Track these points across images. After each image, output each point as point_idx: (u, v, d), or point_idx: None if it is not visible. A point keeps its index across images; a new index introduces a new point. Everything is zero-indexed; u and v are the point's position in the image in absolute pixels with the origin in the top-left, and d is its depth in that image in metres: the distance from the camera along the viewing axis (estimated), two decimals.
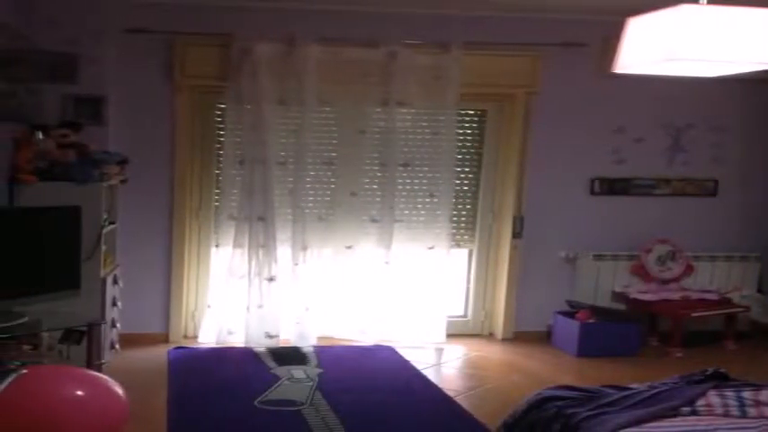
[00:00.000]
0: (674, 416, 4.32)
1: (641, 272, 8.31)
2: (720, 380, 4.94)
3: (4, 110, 6.25)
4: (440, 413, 6.22)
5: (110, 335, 7.00)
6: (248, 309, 7.80)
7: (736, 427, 4.23)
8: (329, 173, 8.02)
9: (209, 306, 8.10)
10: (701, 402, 4.51)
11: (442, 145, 8.02)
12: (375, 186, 8.07)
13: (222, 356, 7.52)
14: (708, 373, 5.03)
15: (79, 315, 6.00)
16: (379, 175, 8.04)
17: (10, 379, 2.25)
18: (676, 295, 8.19)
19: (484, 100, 8.29)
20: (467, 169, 8.39)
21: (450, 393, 6.65)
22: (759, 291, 8.63)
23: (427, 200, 8.13)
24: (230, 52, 7.57)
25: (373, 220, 8.02)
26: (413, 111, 8.02)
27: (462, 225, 8.47)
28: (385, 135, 7.95)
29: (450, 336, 8.22)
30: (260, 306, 7.79)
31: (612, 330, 7.96)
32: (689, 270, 8.41)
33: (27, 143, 6.59)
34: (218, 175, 8.01)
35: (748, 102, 8.51)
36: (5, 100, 6.32)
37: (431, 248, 8.10)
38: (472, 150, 8.40)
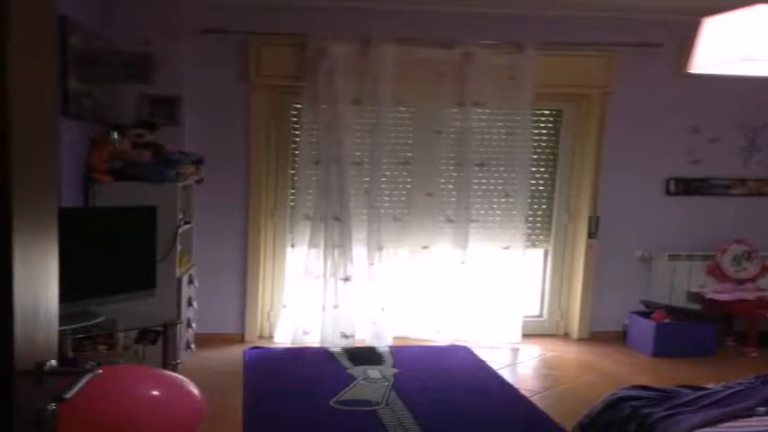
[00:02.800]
0: (750, 416, 4.16)
1: (717, 272, 7.91)
2: None
3: (80, 110, 6.01)
4: (515, 413, 5.94)
5: (185, 335, 6.79)
6: (324, 309, 7.53)
7: None
8: (405, 173, 7.72)
9: (284, 306, 7.83)
10: None
11: (517, 145, 7.70)
12: (451, 186, 7.74)
13: (298, 356, 7.24)
14: None
15: (155, 315, 5.76)
16: (454, 175, 7.72)
17: (85, 379, 2.00)
18: (752, 295, 7.76)
19: (559, 100, 7.94)
20: (542, 169, 8.03)
21: (526, 393, 6.37)
22: None
23: (503, 200, 7.80)
24: (306, 52, 7.29)
25: (449, 221, 7.70)
26: (488, 111, 7.70)
27: (538, 225, 8.12)
28: (460, 135, 7.62)
29: (526, 336, 7.91)
30: (335, 306, 7.52)
31: (688, 330, 7.61)
32: (765, 270, 7.97)
33: (103, 143, 6.37)
34: (293, 174, 7.71)
35: None
36: (81, 100, 6.08)
37: (506, 248, 7.78)
38: (547, 150, 8.04)
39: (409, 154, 7.68)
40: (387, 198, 7.70)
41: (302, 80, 7.35)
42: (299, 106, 7.56)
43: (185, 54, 7.16)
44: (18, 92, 1.70)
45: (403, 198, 7.73)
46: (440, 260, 7.76)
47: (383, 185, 7.66)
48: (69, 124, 5.83)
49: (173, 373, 4.92)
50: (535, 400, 6.21)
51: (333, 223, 7.44)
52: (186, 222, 6.93)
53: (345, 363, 7.02)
